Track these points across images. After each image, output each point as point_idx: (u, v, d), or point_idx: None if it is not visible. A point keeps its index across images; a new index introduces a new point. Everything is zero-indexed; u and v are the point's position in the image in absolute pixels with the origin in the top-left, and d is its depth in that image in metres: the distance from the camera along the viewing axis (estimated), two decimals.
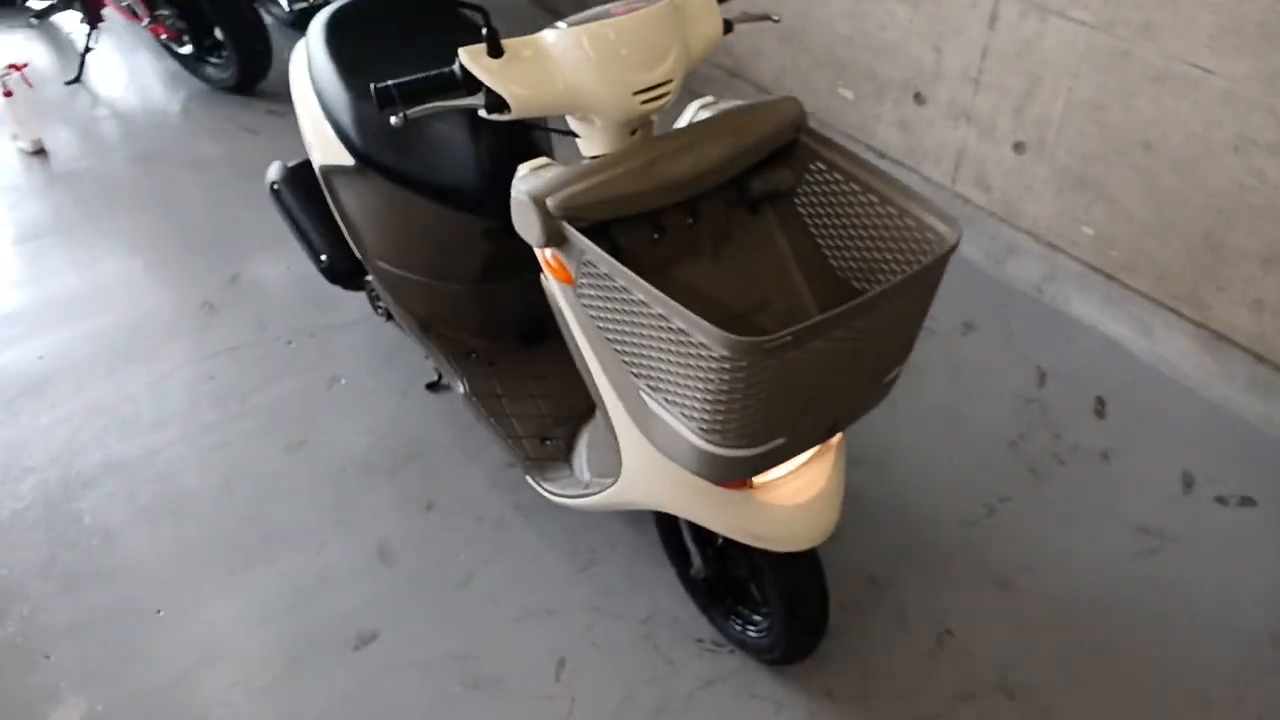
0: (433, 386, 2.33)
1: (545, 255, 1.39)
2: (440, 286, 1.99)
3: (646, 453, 1.45)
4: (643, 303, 1.23)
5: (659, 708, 1.74)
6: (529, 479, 1.85)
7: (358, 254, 2.08)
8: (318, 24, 1.99)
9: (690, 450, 1.31)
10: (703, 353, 1.18)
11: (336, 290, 2.52)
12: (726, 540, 1.69)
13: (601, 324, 1.36)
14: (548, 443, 1.89)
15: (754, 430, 1.26)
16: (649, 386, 1.33)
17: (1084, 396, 2.32)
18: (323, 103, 1.92)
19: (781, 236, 1.55)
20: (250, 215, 2.90)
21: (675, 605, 1.88)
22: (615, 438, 1.51)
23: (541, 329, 2.06)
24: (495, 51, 1.30)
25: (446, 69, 1.34)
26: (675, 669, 1.80)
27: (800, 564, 1.53)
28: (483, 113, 1.34)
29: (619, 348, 1.35)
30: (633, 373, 1.35)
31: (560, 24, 1.34)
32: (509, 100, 1.30)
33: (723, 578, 1.76)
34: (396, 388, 2.34)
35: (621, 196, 1.32)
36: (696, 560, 1.73)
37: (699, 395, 1.23)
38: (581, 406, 1.93)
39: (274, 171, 2.23)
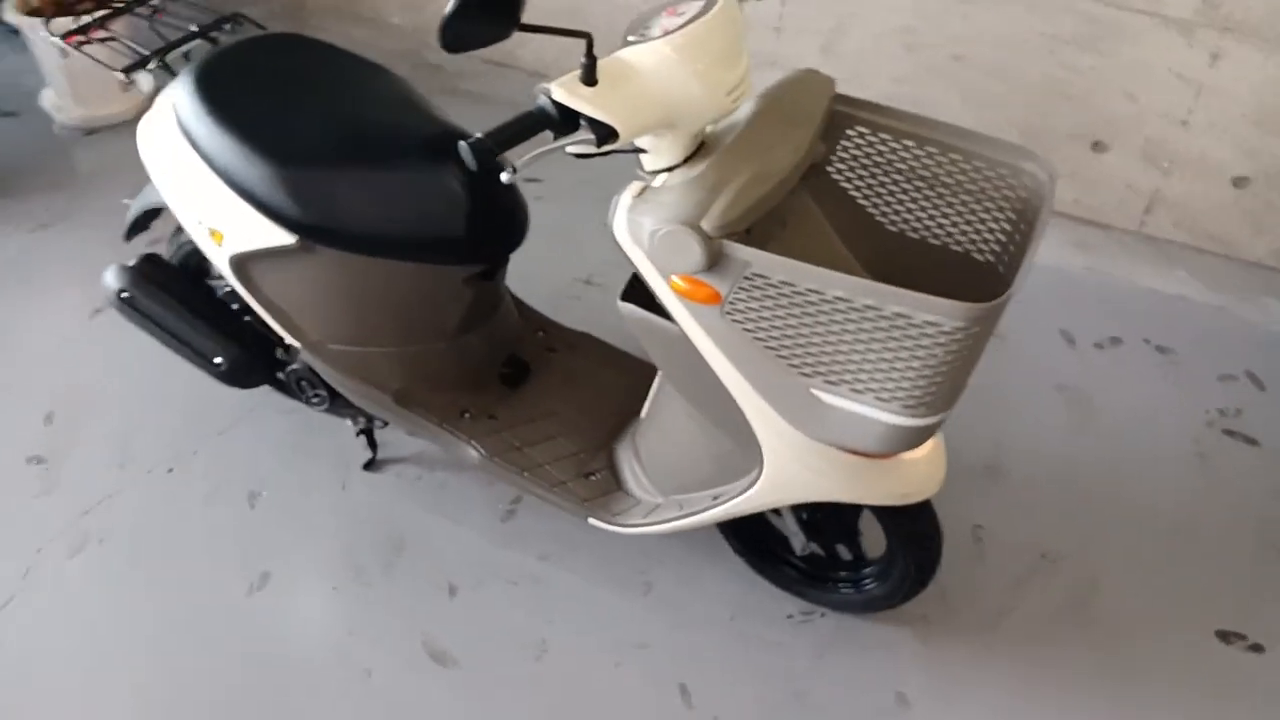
0: (371, 465, 2.08)
1: (675, 281, 1.32)
2: (416, 350, 1.78)
3: (802, 450, 1.43)
4: (833, 299, 1.22)
5: (795, 690, 1.74)
6: (594, 521, 1.74)
7: (291, 343, 1.79)
8: (188, 93, 1.66)
9: (881, 430, 1.33)
10: (926, 329, 1.20)
11: (197, 394, 2.16)
12: (816, 513, 1.72)
13: (761, 334, 1.32)
14: (593, 477, 1.78)
15: (951, 395, 1.31)
16: (826, 382, 1.32)
17: None
18: (230, 180, 1.62)
19: (817, 208, 1.57)
20: (51, 332, 2.38)
21: (748, 594, 1.87)
22: (753, 445, 1.47)
23: (522, 367, 1.92)
24: (590, 79, 1.21)
25: (533, 108, 1.22)
26: (785, 650, 1.80)
27: (924, 509, 1.60)
28: (589, 148, 1.24)
29: (784, 353, 1.32)
30: (802, 374, 1.33)
31: (631, 38, 1.28)
32: (617, 127, 1.22)
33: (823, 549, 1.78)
34: (331, 481, 2.07)
35: (759, 200, 1.29)
36: (800, 540, 1.74)
37: (910, 371, 1.25)
38: (604, 429, 1.84)
39: (115, 278, 1.86)
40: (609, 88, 1.22)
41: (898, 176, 1.52)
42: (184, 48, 1.78)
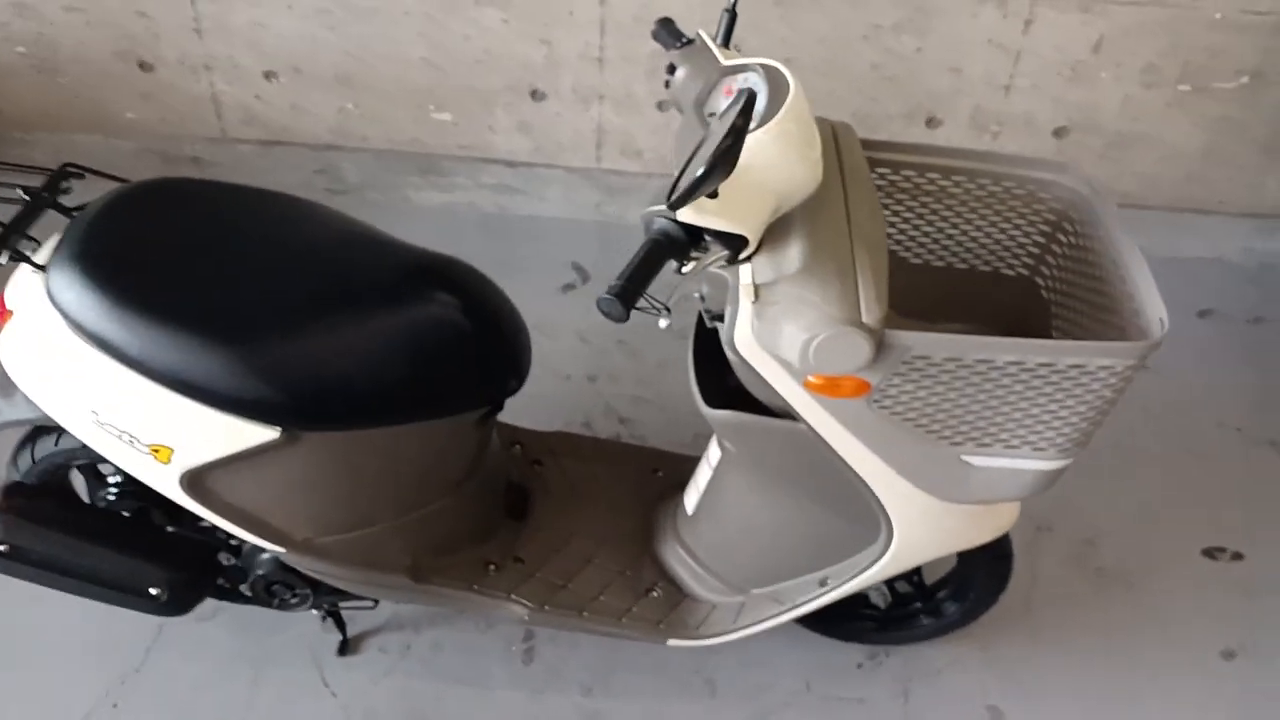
0: (346, 648, 1.76)
1: (811, 381, 1.20)
2: (424, 514, 1.51)
3: (936, 514, 1.37)
4: (1003, 365, 1.17)
5: None
6: (675, 643, 1.58)
7: (268, 548, 1.45)
8: (78, 283, 1.27)
9: (1030, 478, 1.31)
10: (1098, 374, 1.17)
11: (84, 635, 1.73)
12: None
13: (911, 414, 1.23)
14: (654, 594, 1.61)
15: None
16: (978, 446, 1.27)
17: None
18: (176, 382, 1.26)
19: None
20: None
21: (812, 657, 1.79)
22: (870, 522, 1.38)
23: (521, 493, 1.69)
24: (714, 192, 1.06)
25: (655, 236, 1.06)
26: (871, 701, 1.74)
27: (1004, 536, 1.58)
28: (722, 263, 1.11)
29: (935, 427, 1.25)
30: (952, 443, 1.27)
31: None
32: (748, 235, 1.09)
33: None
34: (309, 684, 1.72)
35: (885, 276, 1.19)
36: (883, 595, 1.68)
37: (1074, 417, 1.23)
38: (635, 535, 1.68)
39: None
40: (728, 194, 1.07)
41: (920, 209, 1.48)
42: (27, 225, 1.36)
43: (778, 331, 1.16)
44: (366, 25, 2.50)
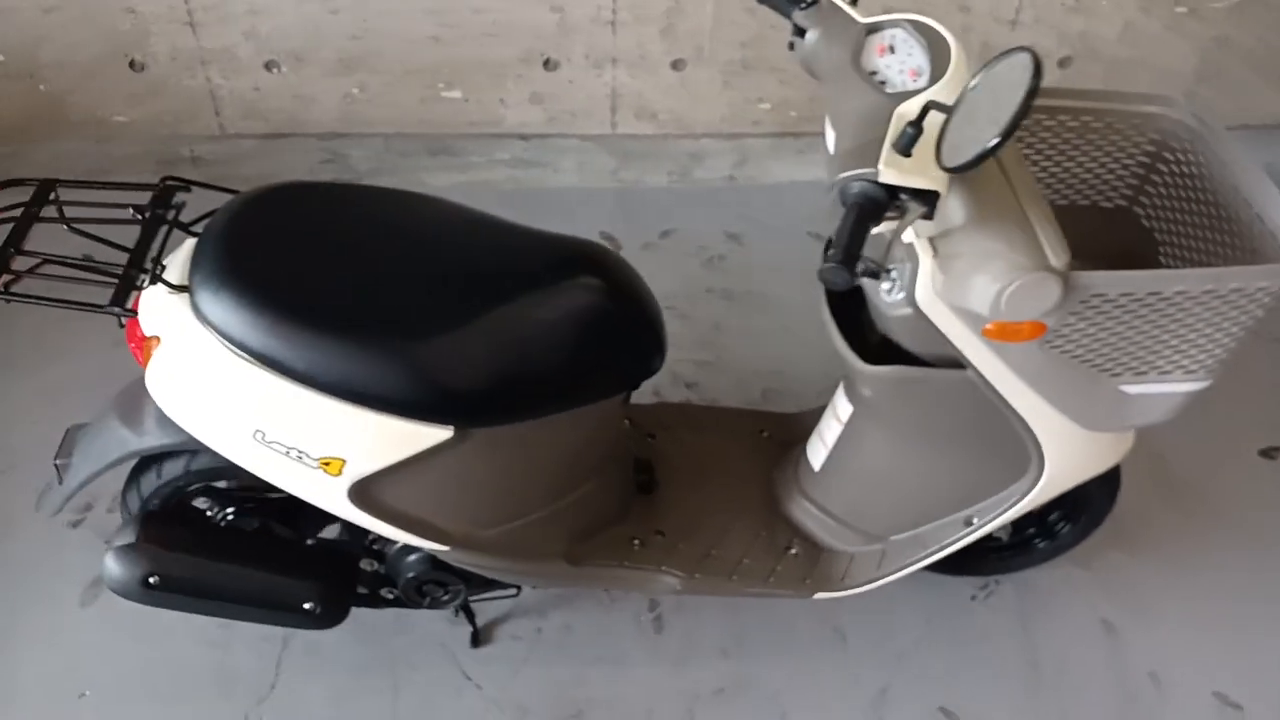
0: (478, 639, 1.76)
1: (988, 328, 1.24)
2: (574, 498, 1.51)
3: (1085, 443, 1.43)
4: (1170, 295, 1.22)
5: (1029, 661, 1.78)
6: (822, 595, 1.62)
7: (429, 548, 1.43)
8: (232, 304, 1.23)
9: (1178, 401, 1.39)
10: (1255, 295, 1.24)
11: (204, 662, 1.70)
12: None
13: (1079, 351, 1.28)
14: (792, 551, 1.64)
15: None
16: (1135, 375, 1.33)
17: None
18: (347, 391, 1.24)
19: None
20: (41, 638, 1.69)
21: (923, 595, 1.85)
22: (1022, 457, 1.42)
23: (648, 468, 1.70)
24: (908, 151, 1.08)
25: (858, 200, 1.08)
26: (992, 629, 1.82)
27: None
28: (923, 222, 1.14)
29: (1098, 361, 1.30)
30: (1112, 375, 1.32)
31: (891, 89, 1.18)
32: (940, 189, 1.11)
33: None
34: (452, 680, 1.72)
35: (1054, 220, 1.23)
36: (1006, 526, 1.74)
37: (1225, 338, 1.30)
38: (763, 496, 1.70)
39: (127, 564, 1.41)
40: (920, 152, 1.10)
41: (1023, 149, 1.51)
42: (156, 244, 1.29)
43: (965, 284, 1.19)
44: (371, 6, 2.41)
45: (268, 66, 2.50)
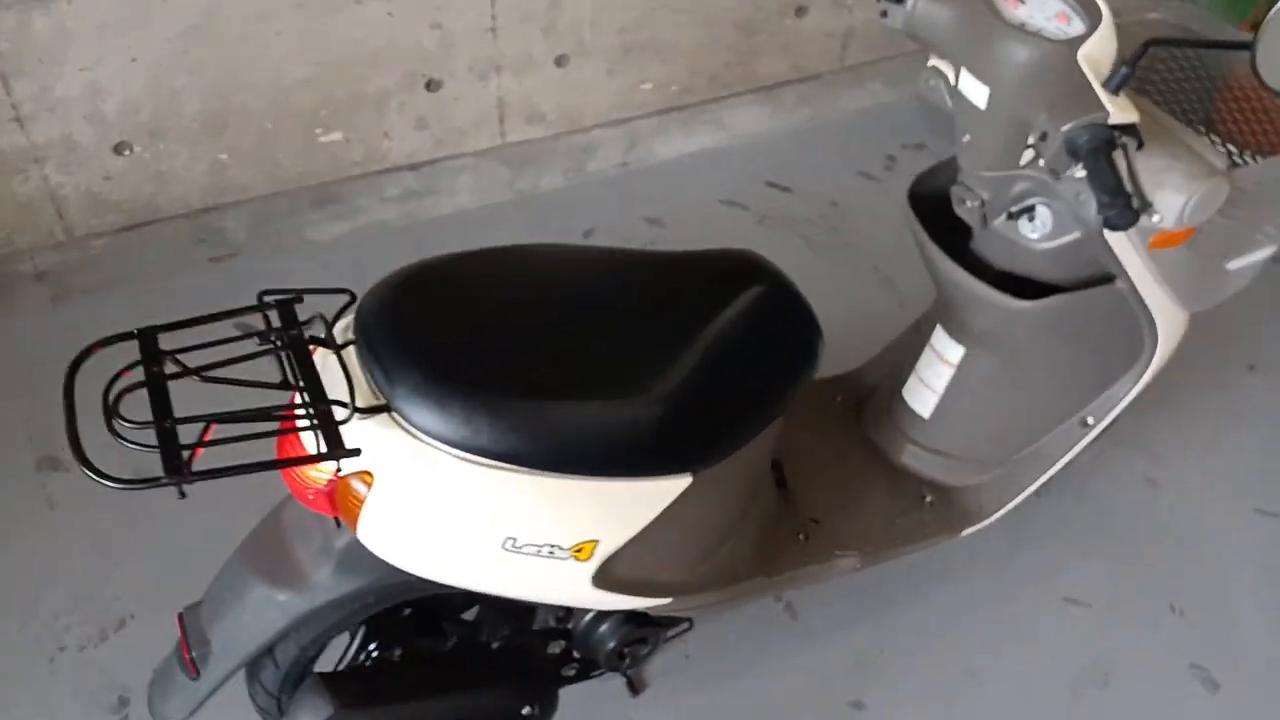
0: (633, 686, 1.67)
1: (1156, 238, 1.33)
2: (763, 500, 1.46)
3: (1183, 327, 1.54)
4: None
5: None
6: (970, 531, 1.67)
7: (652, 605, 1.33)
8: (449, 409, 1.07)
9: (1259, 266, 1.52)
10: None
11: None
12: None
13: (1207, 245, 1.41)
14: (929, 500, 1.68)
15: None
16: (1239, 252, 1.47)
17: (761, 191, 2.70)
18: (586, 462, 1.13)
19: None
20: None
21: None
22: (1149, 349, 1.53)
23: (776, 464, 1.66)
24: (1118, 90, 1.16)
25: (1097, 145, 1.11)
26: (1050, 500, 1.95)
27: None
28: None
29: (1213, 248, 1.43)
30: (1224, 256, 1.46)
31: (1051, 36, 1.21)
32: (1137, 120, 1.18)
33: None
34: None
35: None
36: None
37: None
38: (877, 457, 1.72)
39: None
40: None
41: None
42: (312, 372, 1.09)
43: (1149, 201, 1.26)
44: (233, 57, 2.13)
45: (117, 149, 2.15)
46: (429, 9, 2.25)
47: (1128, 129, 1.15)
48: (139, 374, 1.04)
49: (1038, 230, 1.39)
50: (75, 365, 1.04)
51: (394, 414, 1.08)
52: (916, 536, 1.64)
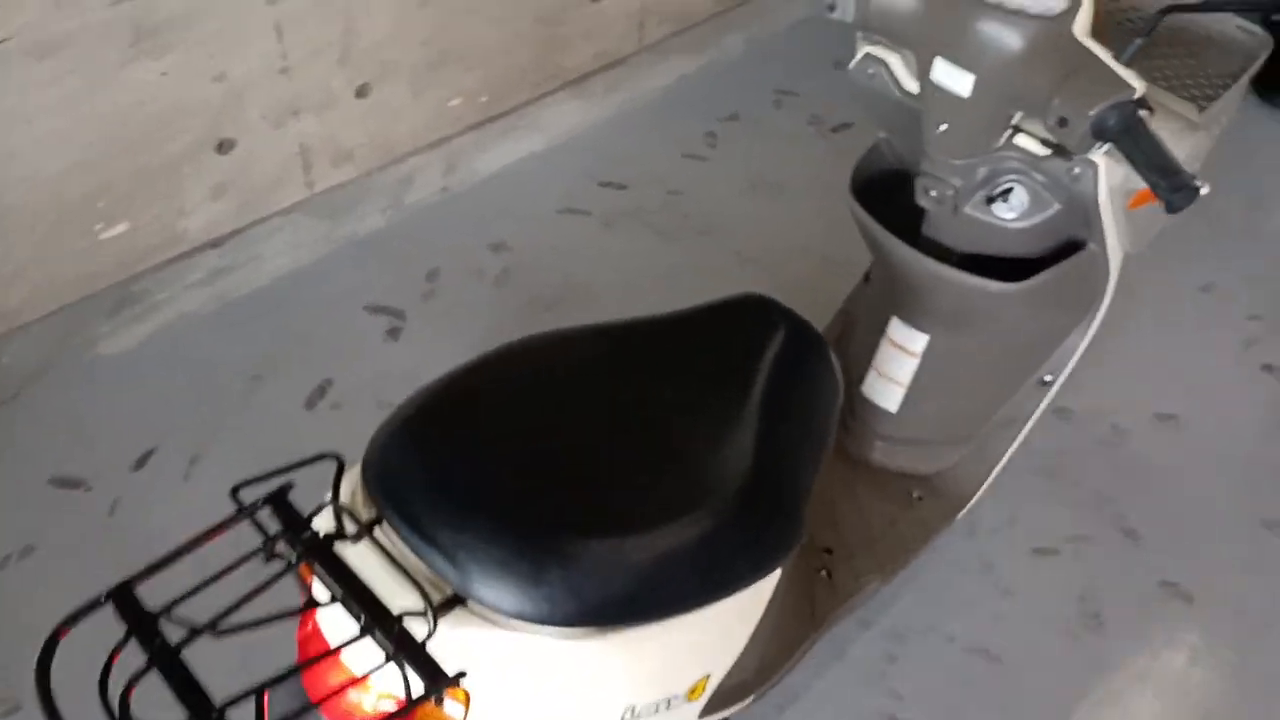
0: None
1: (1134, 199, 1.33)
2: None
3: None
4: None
5: None
6: (964, 512, 1.64)
7: (736, 710, 1.19)
8: (540, 578, 0.88)
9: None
10: None
11: None
12: None
13: None
14: (917, 495, 1.65)
15: None
16: None
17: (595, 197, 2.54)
18: (698, 589, 0.98)
19: None
20: None
21: None
22: (1099, 301, 1.53)
23: None
24: (1130, 62, 1.15)
25: (1131, 125, 1.07)
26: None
27: None
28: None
29: None
30: None
31: (1038, 13, 1.16)
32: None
33: None
34: None
35: None
36: None
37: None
38: (851, 468, 1.66)
39: None
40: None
41: None
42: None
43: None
44: None
45: None
46: (208, 59, 1.89)
47: (1143, 100, 1.11)
48: (135, 647, 0.77)
49: (1015, 210, 1.34)
50: (45, 662, 0.76)
51: (470, 604, 0.87)
52: (921, 536, 1.59)
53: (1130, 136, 1.07)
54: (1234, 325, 2.26)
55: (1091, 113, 1.07)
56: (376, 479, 0.94)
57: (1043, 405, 1.67)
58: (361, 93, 2.19)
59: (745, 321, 1.21)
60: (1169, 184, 1.04)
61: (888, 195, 1.49)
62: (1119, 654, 1.73)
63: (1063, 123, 1.10)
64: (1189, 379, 2.15)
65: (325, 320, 2.18)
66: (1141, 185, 1.24)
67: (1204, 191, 1.05)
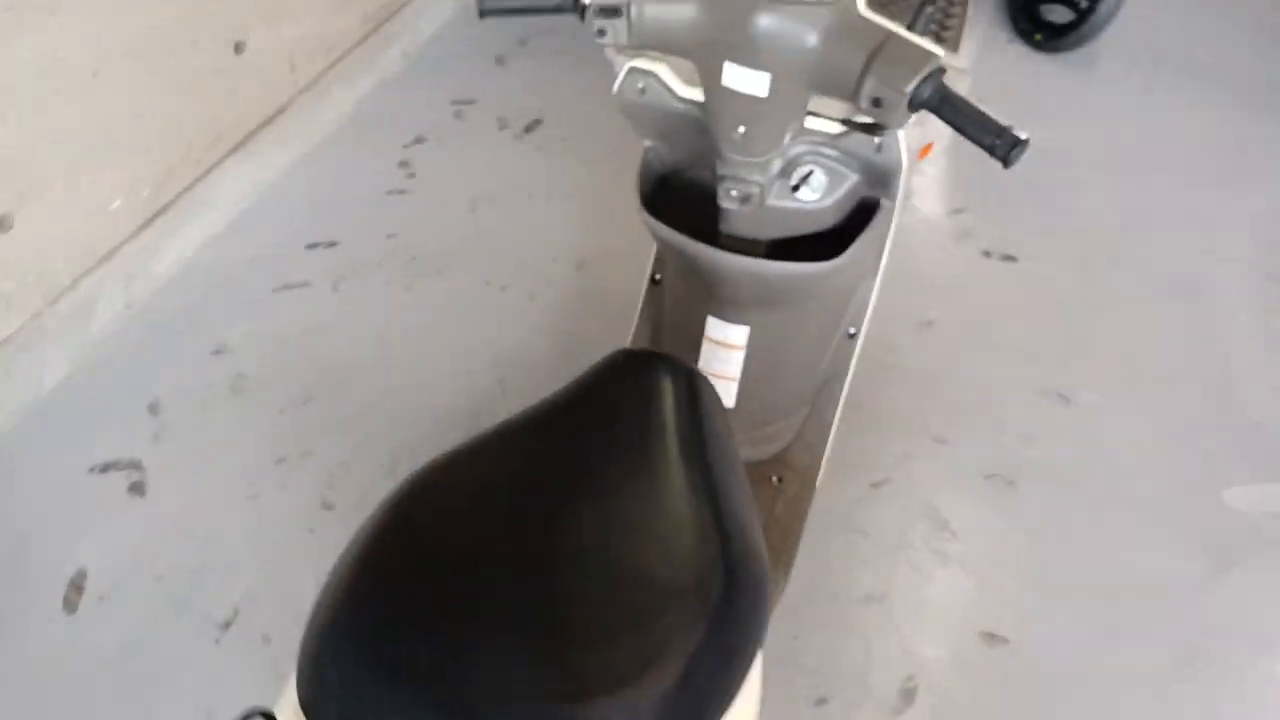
0: None
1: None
2: None
3: None
4: None
5: None
6: (822, 476, 1.65)
7: None
8: None
9: None
10: None
11: None
12: None
13: None
14: (775, 478, 1.64)
15: None
16: None
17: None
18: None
19: None
20: None
21: None
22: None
23: None
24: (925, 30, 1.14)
25: (941, 95, 1.10)
26: None
27: None
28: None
29: None
30: None
31: None
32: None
33: None
34: None
35: None
36: None
37: None
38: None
39: None
40: None
41: None
42: None
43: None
44: None
45: None
46: None
47: (943, 65, 1.12)
48: None
49: (817, 191, 1.34)
50: None
51: None
52: (797, 515, 1.59)
53: (949, 104, 1.08)
54: (945, 222, 2.46)
55: (908, 89, 1.07)
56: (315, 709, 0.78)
57: (855, 355, 1.72)
58: (3, 225, 1.80)
59: (634, 383, 1.12)
60: (1003, 141, 1.06)
61: (666, 199, 1.45)
62: (974, 556, 1.85)
63: (878, 103, 1.09)
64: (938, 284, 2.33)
65: (50, 500, 1.81)
66: (925, 141, 1.28)
67: (1026, 139, 1.08)
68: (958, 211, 2.48)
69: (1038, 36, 2.91)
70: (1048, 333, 2.21)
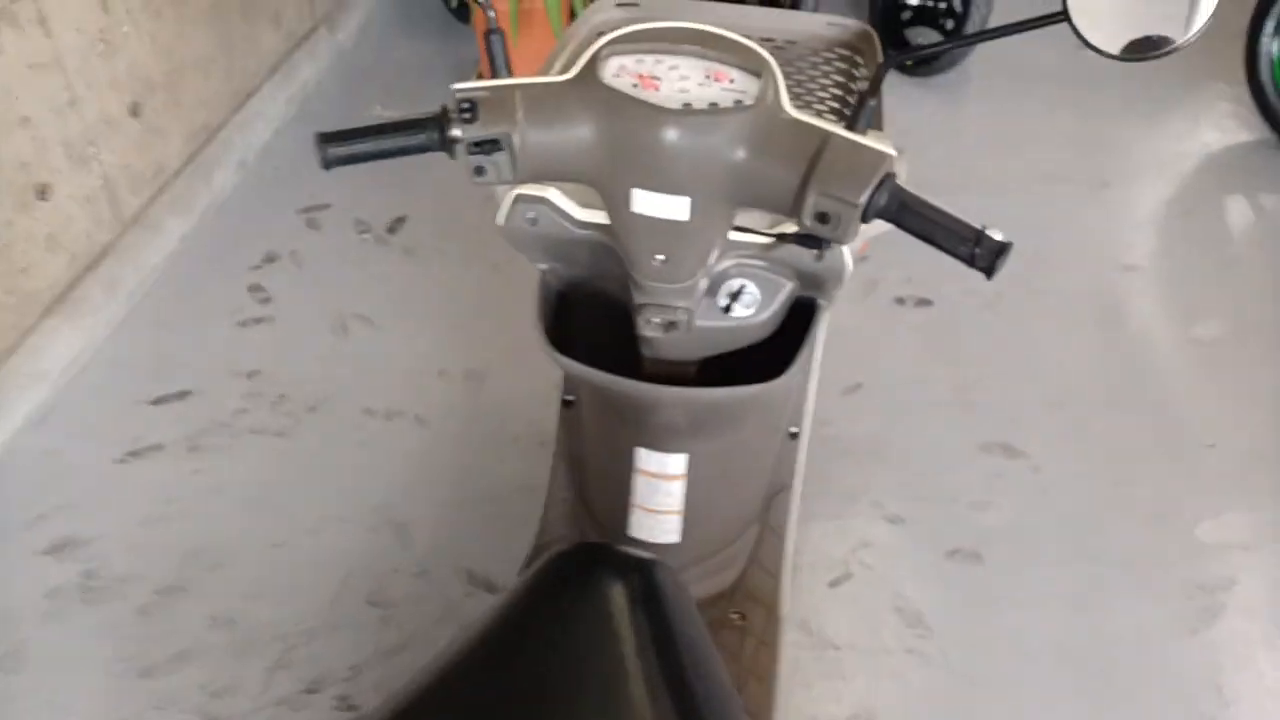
0: None
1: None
2: None
3: None
4: None
5: None
6: (788, 604, 1.46)
7: None
8: None
9: None
10: None
11: None
12: None
13: None
14: (735, 614, 1.45)
15: None
16: None
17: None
18: None
19: None
20: None
21: None
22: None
23: None
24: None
25: (899, 199, 0.94)
26: None
27: None
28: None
29: None
30: None
31: (746, 101, 0.98)
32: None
33: None
34: None
35: None
36: None
37: None
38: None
39: None
40: None
41: None
42: None
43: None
44: None
45: None
46: None
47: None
48: None
49: (751, 306, 1.16)
50: None
51: None
52: (772, 656, 1.40)
53: (909, 210, 0.90)
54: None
55: (860, 200, 0.89)
56: None
57: (801, 457, 1.55)
58: None
59: (582, 596, 0.91)
60: (984, 250, 0.89)
61: (570, 318, 1.26)
62: (955, 652, 1.68)
63: (824, 219, 0.91)
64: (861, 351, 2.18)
65: None
66: (867, 236, 1.11)
67: (1009, 243, 0.91)
68: (860, 260, 2.34)
69: (909, 62, 2.85)
70: (978, 378, 2.09)
